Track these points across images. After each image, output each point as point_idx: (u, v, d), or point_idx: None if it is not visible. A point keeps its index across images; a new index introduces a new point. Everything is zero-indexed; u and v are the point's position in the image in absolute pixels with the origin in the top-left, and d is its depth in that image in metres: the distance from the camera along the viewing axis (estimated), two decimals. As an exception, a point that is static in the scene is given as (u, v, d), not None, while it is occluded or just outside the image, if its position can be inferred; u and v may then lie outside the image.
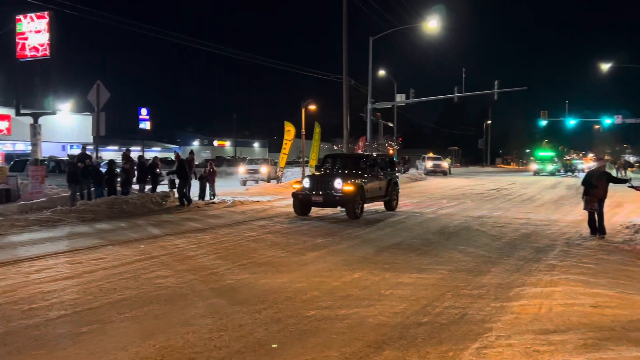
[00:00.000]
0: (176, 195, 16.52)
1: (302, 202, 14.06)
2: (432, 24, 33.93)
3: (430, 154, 53.22)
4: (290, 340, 4.92)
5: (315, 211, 15.00)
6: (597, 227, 11.13)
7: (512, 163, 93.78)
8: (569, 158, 63.32)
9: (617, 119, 51.17)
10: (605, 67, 48.18)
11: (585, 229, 12.04)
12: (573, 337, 4.97)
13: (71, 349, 4.70)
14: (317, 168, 16.53)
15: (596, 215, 11.15)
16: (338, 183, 13.58)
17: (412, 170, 43.27)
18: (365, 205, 14.55)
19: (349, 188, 13.40)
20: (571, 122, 56.95)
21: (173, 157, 19.10)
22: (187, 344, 4.81)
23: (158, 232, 11.48)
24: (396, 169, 17.06)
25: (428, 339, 4.97)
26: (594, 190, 11.02)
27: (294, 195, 14.24)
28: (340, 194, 13.42)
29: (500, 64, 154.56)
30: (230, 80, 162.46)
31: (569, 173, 46.97)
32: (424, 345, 4.79)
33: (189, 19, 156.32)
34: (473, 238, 10.90)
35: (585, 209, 11.31)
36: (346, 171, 14.80)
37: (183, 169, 16.34)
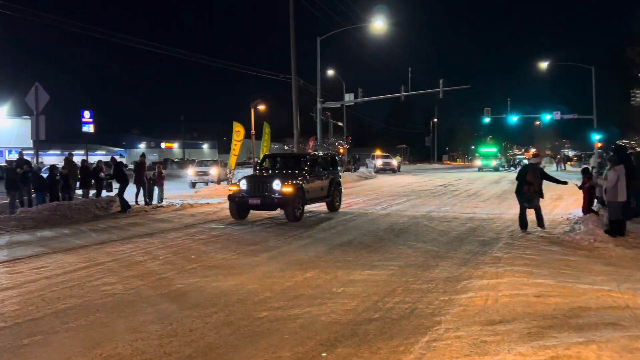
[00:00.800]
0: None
1: (238, 205, 13.34)
2: (378, 24, 34.39)
3: (378, 152, 53.94)
4: (242, 342, 4.87)
5: (255, 215, 14.31)
6: (538, 222, 11.30)
7: (458, 159, 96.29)
8: (512, 153, 65.53)
9: (556, 115, 53.27)
10: (543, 65, 50.16)
11: (528, 222, 12.50)
12: (518, 327, 5.14)
13: (11, 363, 4.49)
14: (256, 169, 15.82)
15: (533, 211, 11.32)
16: (276, 184, 12.94)
17: (363, 169, 43.73)
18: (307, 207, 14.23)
19: (288, 189, 12.81)
20: (513, 119, 58.90)
21: (109, 161, 18.36)
22: (136, 351, 4.68)
23: (104, 238, 11.14)
24: (339, 168, 16.72)
25: (379, 334, 5.03)
26: (529, 186, 11.12)
27: (230, 198, 13.52)
28: (279, 196, 12.78)
29: (445, 63, 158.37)
30: (178, 81, 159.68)
31: (512, 168, 48.64)
32: (375, 341, 4.84)
33: (134, 18, 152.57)
34: (422, 234, 11.11)
35: (529, 207, 11.30)
36: (285, 171, 14.32)
37: (121, 172, 15.93)
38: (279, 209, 13.49)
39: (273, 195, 12.86)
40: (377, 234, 11.18)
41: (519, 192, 11.39)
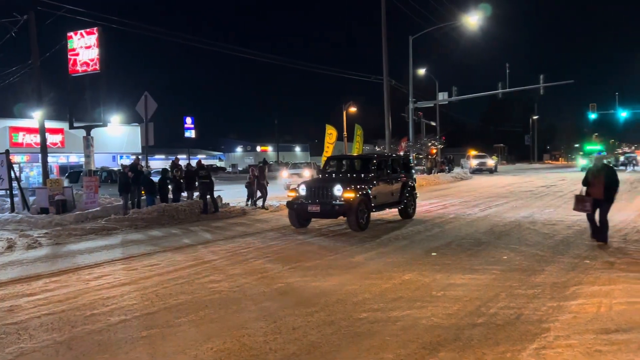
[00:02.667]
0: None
1: (297, 212, 12.40)
2: (473, 20, 33.38)
3: (475, 152, 52.30)
4: (345, 342, 4.94)
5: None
6: (595, 229, 9.65)
7: (560, 159, 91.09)
8: (620, 151, 60.99)
9: (673, 109, 48.97)
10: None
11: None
12: (637, 337, 4.82)
13: (132, 353, 4.86)
14: (320, 172, 14.88)
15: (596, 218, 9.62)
16: (338, 189, 11.89)
17: (457, 169, 42.63)
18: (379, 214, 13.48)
19: (351, 195, 11.71)
20: (622, 114, 54.96)
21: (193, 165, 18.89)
22: (244, 347, 4.90)
23: (209, 237, 11.73)
24: (413, 170, 15.44)
25: (484, 340, 4.90)
26: (590, 188, 9.64)
27: (289, 205, 12.64)
28: (341, 202, 11.72)
29: (546, 57, 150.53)
30: (272, 86, 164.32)
31: (622, 167, 45.27)
32: (480, 347, 4.73)
33: (231, 27, 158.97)
34: (525, 237, 10.66)
35: (574, 209, 9.80)
36: (350, 175, 13.32)
37: (207, 176, 16.55)
38: (340, 216, 12.24)
39: (334, 202, 11.83)
40: (476, 236, 10.87)
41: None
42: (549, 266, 7.91)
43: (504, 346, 4.72)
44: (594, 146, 50.81)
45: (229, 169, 66.99)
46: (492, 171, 44.30)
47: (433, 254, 9.09)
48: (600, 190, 9.37)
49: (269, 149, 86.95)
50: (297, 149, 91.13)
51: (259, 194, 17.63)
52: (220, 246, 10.45)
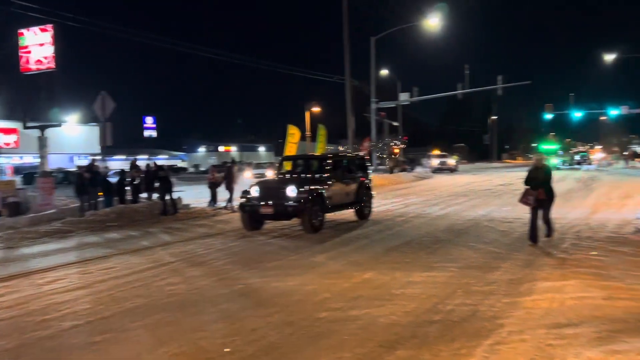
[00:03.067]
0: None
1: (250, 214, 12.02)
2: (433, 21, 33.88)
3: (436, 151, 53.10)
4: (304, 342, 4.93)
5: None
6: (534, 231, 9.51)
7: (518, 158, 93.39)
8: (575, 150, 62.97)
9: (624, 110, 50.92)
10: (609, 58, 47.98)
11: (594, 222, 12.04)
12: (586, 330, 4.96)
13: (84, 359, 4.73)
14: (276, 172, 14.53)
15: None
16: (291, 190, 11.57)
17: (419, 169, 43.22)
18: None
19: (304, 196, 11.43)
20: (577, 115, 56.70)
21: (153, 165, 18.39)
22: (201, 350, 4.83)
23: (168, 239, 11.54)
24: (368, 170, 15.09)
25: (440, 336, 4.97)
26: (531, 188, 9.52)
27: (241, 207, 12.22)
28: (294, 204, 11.40)
29: (504, 59, 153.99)
30: (235, 86, 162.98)
31: (577, 166, 46.74)
32: (436, 343, 4.79)
33: (191, 26, 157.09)
34: (482, 234, 10.87)
35: (519, 200, 9.78)
36: (304, 175, 13.07)
37: (166, 176, 16.27)
38: (294, 218, 11.88)
39: (287, 203, 11.49)
40: (435, 235, 11.02)
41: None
42: (505, 263, 8.08)
43: (460, 342, 4.80)
44: (550, 145, 52.25)
45: (191, 170, 66.14)
46: (452, 170, 45.04)
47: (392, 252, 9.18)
48: (541, 190, 9.37)
49: (232, 149, 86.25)
50: (261, 149, 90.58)
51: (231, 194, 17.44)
52: (180, 248, 10.30)
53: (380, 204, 17.56)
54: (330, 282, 7.16)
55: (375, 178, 29.27)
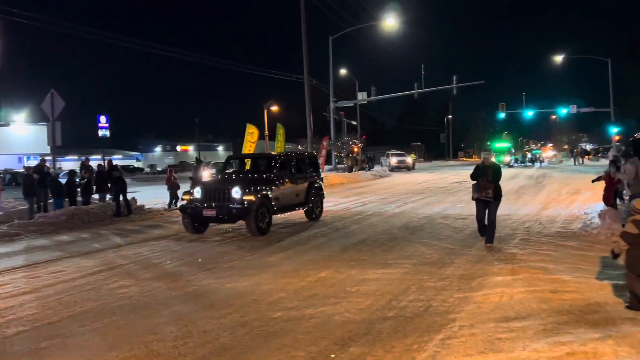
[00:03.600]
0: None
1: (192, 217, 11.49)
2: (390, 22, 34.29)
3: (394, 150, 53.75)
4: (257, 343, 4.89)
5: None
6: (483, 228, 9.42)
7: (474, 156, 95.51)
8: (528, 148, 64.83)
9: (572, 109, 52.69)
10: (559, 58, 49.64)
11: (544, 218, 12.41)
12: (533, 323, 5.10)
13: (30, 366, 4.57)
14: (219, 172, 13.80)
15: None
16: (236, 192, 11.10)
17: (377, 167, 43.63)
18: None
19: (250, 197, 10.99)
20: (529, 114, 58.42)
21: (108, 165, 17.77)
22: (152, 352, 4.73)
23: (120, 241, 11.26)
24: (319, 169, 14.69)
25: (393, 333, 5.02)
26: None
27: (182, 209, 11.73)
28: (239, 205, 10.96)
29: (459, 59, 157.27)
30: (192, 84, 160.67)
31: (529, 164, 48.09)
32: (389, 340, 4.84)
33: (146, 23, 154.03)
34: (437, 231, 11.06)
35: (480, 197, 9.23)
36: (250, 176, 12.57)
37: (120, 177, 15.90)
38: (239, 220, 11.46)
39: (231, 205, 11.05)
40: (391, 232, 11.15)
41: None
42: (458, 259, 8.25)
43: (412, 338, 4.86)
44: (502, 143, 53.61)
45: (147, 170, 64.85)
46: (410, 169, 45.70)
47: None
48: (489, 188, 9.07)
49: (190, 148, 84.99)
50: (220, 148, 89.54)
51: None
52: (133, 250, 10.07)
53: (339, 203, 17.66)
54: (286, 282, 7.14)
55: (334, 177, 29.48)
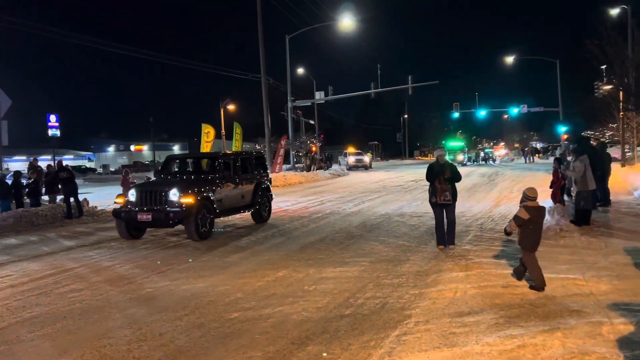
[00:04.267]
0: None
1: (126, 221, 10.69)
2: (346, 22, 34.50)
3: (352, 149, 54.16)
4: (213, 344, 4.84)
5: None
6: (443, 233, 8.85)
7: (429, 155, 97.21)
8: (481, 147, 66.44)
9: (523, 109, 54.32)
10: (510, 59, 51.05)
11: (497, 215, 12.74)
12: (486, 317, 5.23)
13: (-26, 375, 4.38)
14: (157, 174, 12.90)
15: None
16: (174, 194, 10.42)
17: (335, 166, 43.85)
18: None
19: (189, 200, 10.33)
20: (482, 113, 59.85)
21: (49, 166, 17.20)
22: (104, 357, 4.62)
23: (71, 244, 10.92)
24: (267, 170, 14.19)
25: (350, 330, 5.06)
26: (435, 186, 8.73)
27: (115, 213, 10.89)
28: (176, 209, 10.24)
29: (415, 60, 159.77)
30: (147, 83, 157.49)
31: (482, 162, 49.29)
32: (346, 337, 4.87)
33: (100, 20, 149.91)
34: (393, 229, 11.19)
35: (439, 201, 8.70)
36: (191, 177, 11.82)
37: (70, 178, 15.47)
38: (177, 225, 10.70)
39: (169, 209, 10.31)
40: (349, 230, 11.22)
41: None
42: (414, 256, 8.38)
43: (369, 335, 4.90)
44: (456, 142, 54.56)
45: (100, 170, 63.14)
46: (367, 167, 46.17)
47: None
48: (447, 191, 8.61)
49: (144, 148, 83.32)
50: (175, 147, 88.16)
51: None
52: (84, 253, 9.78)
53: (297, 202, 17.66)
54: (243, 282, 7.09)
55: (292, 176, 29.46)
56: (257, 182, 13.01)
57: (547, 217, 10.90)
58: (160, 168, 12.96)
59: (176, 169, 12.96)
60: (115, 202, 11.41)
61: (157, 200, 10.54)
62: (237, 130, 28.85)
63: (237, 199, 12.15)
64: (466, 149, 52.35)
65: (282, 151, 34.33)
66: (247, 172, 12.83)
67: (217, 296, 6.44)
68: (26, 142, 58.83)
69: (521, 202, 6.48)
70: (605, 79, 30.08)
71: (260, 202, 12.91)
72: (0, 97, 15.39)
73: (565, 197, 13.08)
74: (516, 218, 6.36)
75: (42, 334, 5.31)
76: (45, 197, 16.14)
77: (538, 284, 6.15)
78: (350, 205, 16.13)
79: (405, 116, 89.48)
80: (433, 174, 8.75)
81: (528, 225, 6.28)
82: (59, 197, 15.92)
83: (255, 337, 4.96)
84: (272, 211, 13.85)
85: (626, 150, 30.69)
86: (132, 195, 10.82)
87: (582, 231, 9.63)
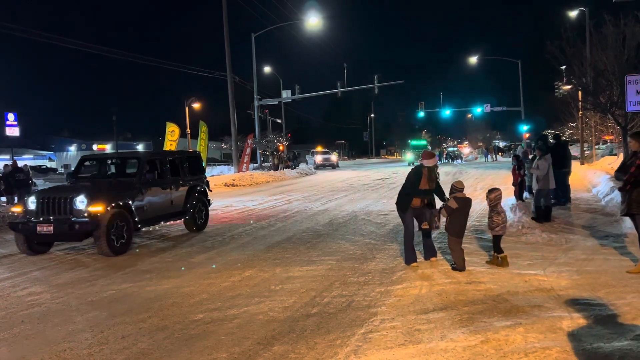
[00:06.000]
0: None
1: (25, 234, 9.11)
2: (312, 21, 34.54)
3: (319, 148, 54.25)
4: (177, 346, 4.76)
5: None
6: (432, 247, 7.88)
7: (395, 154, 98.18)
8: (445, 146, 67.39)
9: (486, 108, 55.39)
10: (473, 59, 51.98)
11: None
12: (450, 314, 5.30)
13: None
14: (68, 177, 11.13)
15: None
16: (80, 201, 8.88)
17: (302, 165, 43.84)
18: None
19: (99, 208, 8.84)
20: (446, 112, 60.83)
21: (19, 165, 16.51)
22: (63, 362, 4.49)
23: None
24: (204, 173, 12.76)
25: (317, 329, 5.05)
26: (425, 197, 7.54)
27: (11, 225, 9.27)
28: (84, 219, 8.74)
29: (381, 59, 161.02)
30: (109, 80, 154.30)
31: (445, 161, 49.99)
32: (312, 336, 4.85)
33: (61, 16, 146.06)
34: (360, 227, 11.24)
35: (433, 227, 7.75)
36: (107, 180, 10.55)
37: (26, 179, 15.08)
38: (85, 238, 9.23)
39: (74, 219, 8.80)
40: (316, 229, 11.22)
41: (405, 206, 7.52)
42: (380, 254, 8.43)
43: (335, 334, 4.90)
44: (419, 141, 55.16)
45: (61, 170, 61.57)
46: (334, 166, 46.37)
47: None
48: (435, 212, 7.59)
49: (107, 147, 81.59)
50: (140, 146, 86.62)
51: None
52: (44, 255, 9.48)
53: (264, 201, 17.56)
54: (209, 283, 7.01)
55: (259, 175, 29.31)
56: (190, 186, 11.57)
57: (510, 214, 11.14)
58: (73, 171, 11.14)
59: (94, 172, 11.40)
60: (11, 212, 9.92)
61: (60, 209, 8.97)
62: (203, 129, 28.53)
63: (164, 205, 10.68)
64: (429, 148, 53.00)
65: (248, 150, 34.12)
66: (178, 175, 11.33)
67: (182, 297, 6.34)
68: (-17, 142, 56.87)
69: (450, 193, 7.23)
70: (564, 79, 30.89)
71: (194, 208, 11.50)
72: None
73: (526, 194, 13.37)
74: (446, 207, 7.15)
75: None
76: (3, 198, 15.64)
77: (459, 266, 7.05)
78: (317, 204, 16.14)
79: (372, 115, 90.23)
80: (419, 191, 7.39)
81: (456, 213, 7.10)
82: (16, 199, 15.44)
83: (220, 338, 4.90)
84: (239, 210, 13.74)
85: (585, 148, 31.58)
86: (31, 202, 9.19)
87: (543, 228, 9.85)
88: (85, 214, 8.81)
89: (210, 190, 12.71)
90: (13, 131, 34.36)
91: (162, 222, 10.79)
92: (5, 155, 45.36)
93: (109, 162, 11.75)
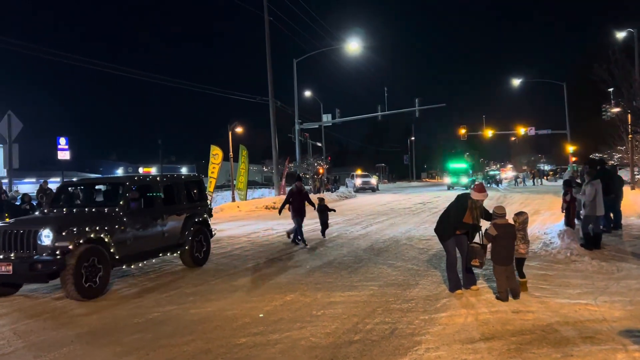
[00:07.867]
0: None
1: None
2: (354, 45, 34.87)
3: (359, 171, 54.20)
4: (221, 370, 4.78)
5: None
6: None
7: (436, 177, 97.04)
8: (488, 169, 66.18)
9: (530, 131, 54.27)
10: (517, 82, 51.25)
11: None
12: (497, 344, 5.15)
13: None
14: (46, 206, 9.75)
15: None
16: (46, 235, 7.54)
17: (342, 188, 43.84)
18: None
19: (65, 243, 7.51)
20: (489, 135, 59.84)
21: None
22: (111, 384, 4.57)
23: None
24: (208, 199, 11.13)
25: (360, 356, 4.99)
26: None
27: None
28: (48, 258, 7.42)
29: (422, 82, 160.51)
30: (155, 105, 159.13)
31: (489, 185, 49.00)
32: (355, 364, 4.80)
33: (109, 44, 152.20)
34: (402, 252, 11.11)
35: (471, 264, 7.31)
36: (82, 210, 8.72)
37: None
38: (50, 280, 7.68)
39: (36, 257, 7.50)
40: (357, 253, 11.15)
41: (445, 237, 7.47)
42: (423, 280, 8.29)
43: (378, 362, 4.83)
44: (459, 163, 53.53)
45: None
46: (374, 190, 46.10)
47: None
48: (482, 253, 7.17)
49: (152, 170, 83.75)
50: (183, 169, 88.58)
51: None
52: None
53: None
54: (251, 306, 7.04)
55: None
56: (187, 215, 10.17)
57: (558, 240, 10.81)
58: (52, 199, 9.76)
59: (74, 200, 9.86)
60: None
61: (23, 244, 7.65)
62: (244, 153, 28.98)
63: (155, 238, 9.30)
64: (470, 171, 51.94)
65: (286, 173, 34.39)
66: (173, 202, 9.95)
67: (225, 321, 6.39)
68: (34, 165, 59.34)
69: (491, 219, 6.94)
70: (612, 101, 30.05)
71: (192, 240, 10.11)
72: (12, 121, 15.58)
73: (575, 220, 12.96)
74: (486, 234, 6.87)
75: (50, 358, 5.27)
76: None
77: (502, 296, 6.75)
78: (357, 228, 16.07)
79: (412, 138, 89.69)
80: (466, 225, 7.19)
81: (498, 241, 6.77)
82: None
83: (263, 364, 4.90)
84: (280, 233, 13.75)
85: (635, 172, 30.48)
86: None
87: (592, 255, 9.51)
88: (50, 251, 7.49)
89: (212, 216, 11.42)
90: (64, 155, 35.66)
91: (151, 259, 9.55)
92: (56, 178, 47.05)
93: (93, 188, 10.11)
